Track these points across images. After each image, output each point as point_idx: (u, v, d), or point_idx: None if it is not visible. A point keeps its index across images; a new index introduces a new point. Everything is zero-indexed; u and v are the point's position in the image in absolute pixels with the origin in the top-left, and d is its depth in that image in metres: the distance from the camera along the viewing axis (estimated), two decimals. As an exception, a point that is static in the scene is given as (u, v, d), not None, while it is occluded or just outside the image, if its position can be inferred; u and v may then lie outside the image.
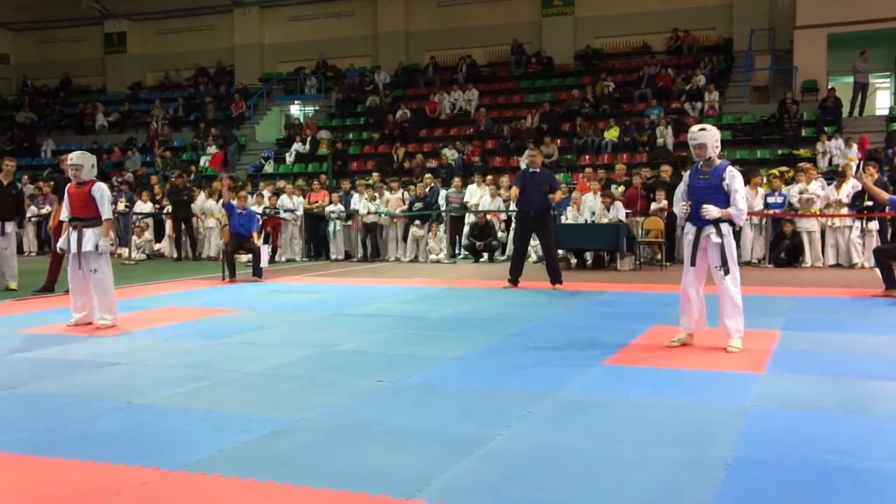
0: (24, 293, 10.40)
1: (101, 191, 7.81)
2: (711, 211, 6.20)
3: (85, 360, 6.22)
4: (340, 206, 16.34)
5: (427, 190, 16.21)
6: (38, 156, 25.85)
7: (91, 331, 7.51)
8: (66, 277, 8.00)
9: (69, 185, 7.95)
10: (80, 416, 4.61)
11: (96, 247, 7.64)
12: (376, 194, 16.20)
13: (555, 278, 10.63)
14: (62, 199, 10.23)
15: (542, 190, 10.57)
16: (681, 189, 6.57)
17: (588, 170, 16.83)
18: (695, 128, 6.47)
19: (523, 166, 10.89)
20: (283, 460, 3.80)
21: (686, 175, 6.61)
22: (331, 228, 16.54)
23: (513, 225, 13.54)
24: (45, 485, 3.57)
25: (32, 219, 18.10)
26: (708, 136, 6.30)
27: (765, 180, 14.32)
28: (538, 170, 10.79)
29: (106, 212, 7.78)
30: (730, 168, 6.31)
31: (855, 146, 16.13)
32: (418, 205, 15.97)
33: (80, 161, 7.80)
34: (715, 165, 6.33)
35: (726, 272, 6.22)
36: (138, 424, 4.44)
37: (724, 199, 6.25)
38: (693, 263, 6.39)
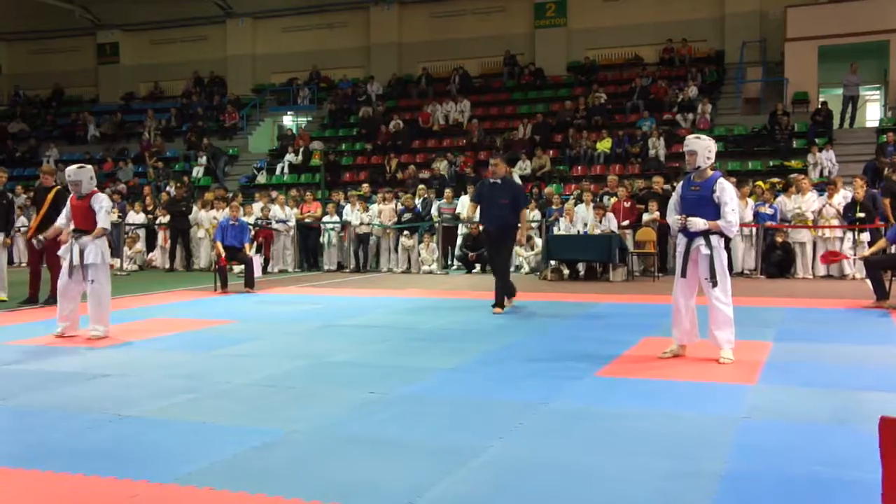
0: (13, 304, 10.35)
1: (100, 202, 7.78)
2: (697, 223, 6.23)
3: (75, 371, 6.19)
4: (335, 217, 16.37)
5: (419, 201, 16.21)
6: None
7: (82, 342, 7.47)
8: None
9: (71, 196, 7.94)
10: (70, 428, 4.57)
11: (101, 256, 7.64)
12: (372, 205, 16.24)
13: (497, 301, 9.43)
14: (39, 210, 10.21)
15: (501, 204, 9.44)
16: (674, 200, 6.60)
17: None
18: (691, 136, 6.53)
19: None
20: (274, 472, 3.78)
21: (679, 186, 6.64)
22: (324, 239, 16.55)
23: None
24: (33, 498, 3.54)
25: (22, 229, 17.97)
26: (699, 145, 6.34)
27: (751, 191, 14.35)
28: (499, 181, 9.59)
29: (101, 220, 7.73)
30: (721, 180, 6.34)
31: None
32: (407, 215, 15.97)
33: (79, 177, 7.77)
34: (707, 177, 6.35)
35: (715, 284, 6.23)
36: (128, 437, 4.40)
37: (714, 210, 6.27)
38: (683, 275, 6.40)
